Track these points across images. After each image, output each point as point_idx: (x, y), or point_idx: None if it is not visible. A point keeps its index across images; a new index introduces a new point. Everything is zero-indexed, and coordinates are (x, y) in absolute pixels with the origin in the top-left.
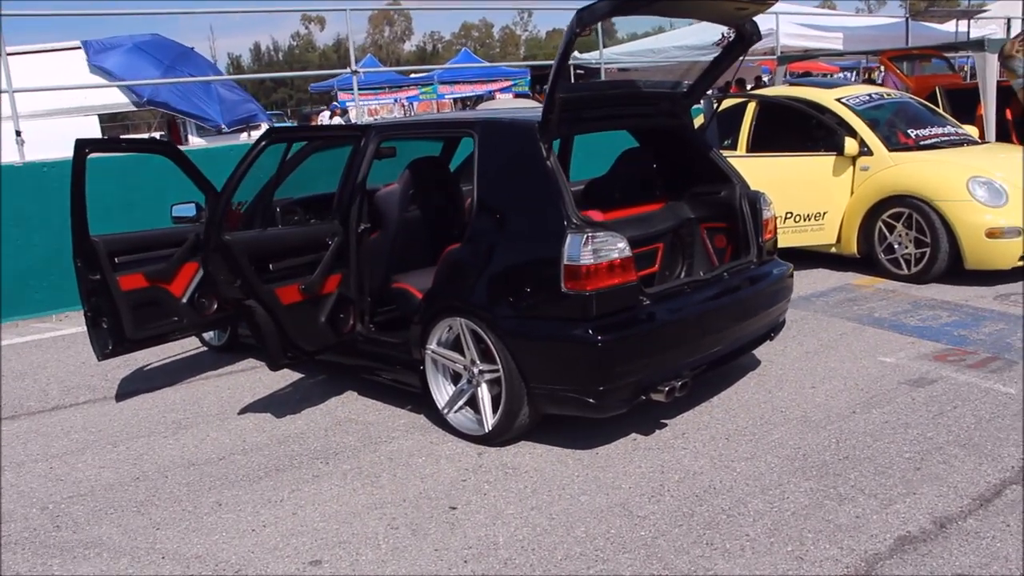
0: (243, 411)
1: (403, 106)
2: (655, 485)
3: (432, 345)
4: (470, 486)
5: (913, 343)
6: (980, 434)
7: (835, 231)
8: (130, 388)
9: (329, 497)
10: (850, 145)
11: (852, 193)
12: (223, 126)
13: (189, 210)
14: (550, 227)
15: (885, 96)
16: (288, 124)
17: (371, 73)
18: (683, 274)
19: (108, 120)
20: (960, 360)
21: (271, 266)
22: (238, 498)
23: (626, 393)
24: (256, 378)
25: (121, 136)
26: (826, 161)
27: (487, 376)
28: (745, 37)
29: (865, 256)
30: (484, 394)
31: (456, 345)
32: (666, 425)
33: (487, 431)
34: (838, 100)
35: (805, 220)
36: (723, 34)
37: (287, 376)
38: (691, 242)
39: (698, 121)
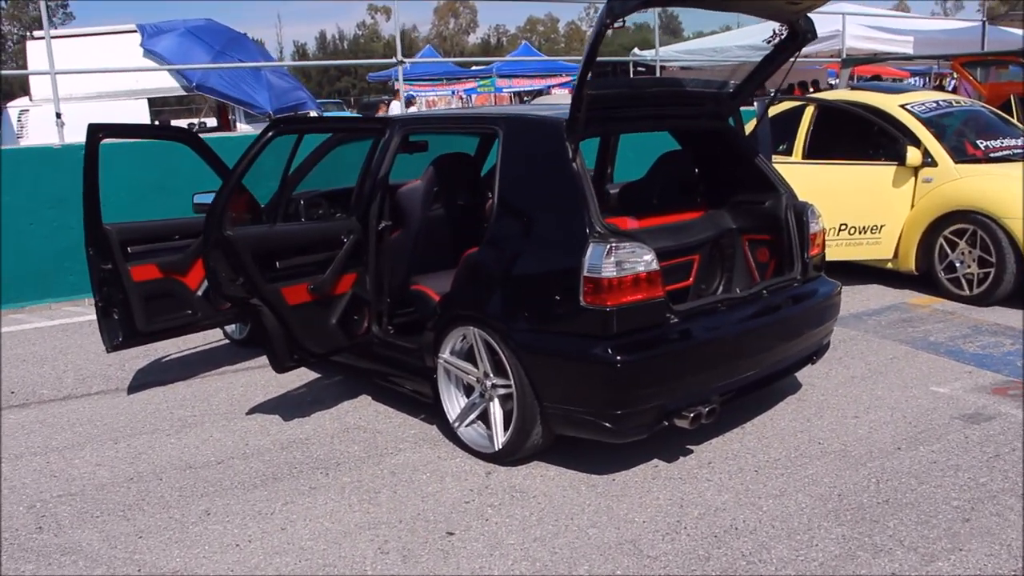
0: (252, 411)
1: (461, 98)
2: (671, 521)
3: (445, 354)
4: (472, 509)
5: (971, 373)
6: None
7: (892, 246)
8: (144, 380)
9: (322, 512)
10: (913, 155)
11: (912, 206)
12: (271, 112)
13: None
14: (571, 235)
15: (954, 104)
16: (342, 114)
17: (423, 63)
18: (720, 289)
19: (159, 104)
20: (1022, 395)
21: (278, 264)
22: (228, 508)
23: (647, 418)
24: (271, 376)
25: (171, 122)
26: (886, 171)
27: (500, 391)
28: (798, 35)
29: (923, 274)
30: (496, 409)
31: (470, 355)
32: (691, 452)
33: (497, 449)
34: (902, 106)
35: (861, 233)
36: (775, 31)
37: (302, 375)
38: (731, 254)
39: (751, 125)
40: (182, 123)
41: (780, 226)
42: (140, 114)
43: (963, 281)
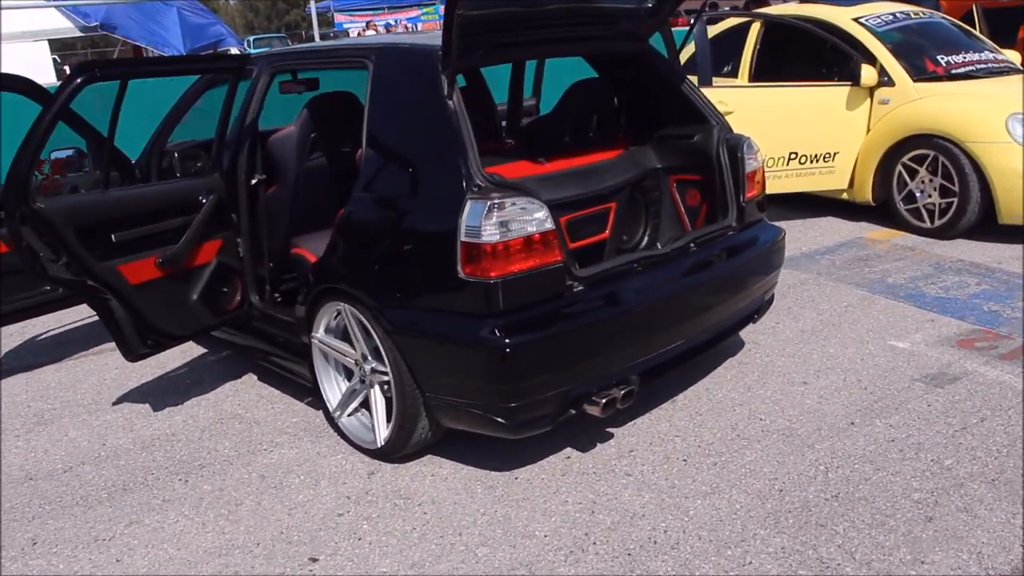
0: (120, 400)
1: (406, 28)
2: (578, 534)
3: (319, 333)
4: (345, 525)
5: (933, 321)
6: (1015, 463)
7: (847, 175)
8: (11, 365)
9: (170, 535)
10: (868, 74)
11: (868, 130)
12: (183, 54)
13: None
14: (444, 190)
15: (912, 15)
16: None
17: None
18: (644, 240)
19: (69, 47)
20: (991, 347)
21: (113, 237)
22: (61, 533)
23: (548, 408)
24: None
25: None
26: (839, 93)
27: (380, 377)
28: None
29: (881, 204)
30: (378, 399)
31: (348, 334)
32: (611, 437)
33: (380, 446)
34: (855, 20)
35: (813, 161)
36: None
37: (188, 350)
38: (656, 199)
39: (690, 48)
40: None
41: (711, 164)
42: (42, 58)
43: (923, 212)
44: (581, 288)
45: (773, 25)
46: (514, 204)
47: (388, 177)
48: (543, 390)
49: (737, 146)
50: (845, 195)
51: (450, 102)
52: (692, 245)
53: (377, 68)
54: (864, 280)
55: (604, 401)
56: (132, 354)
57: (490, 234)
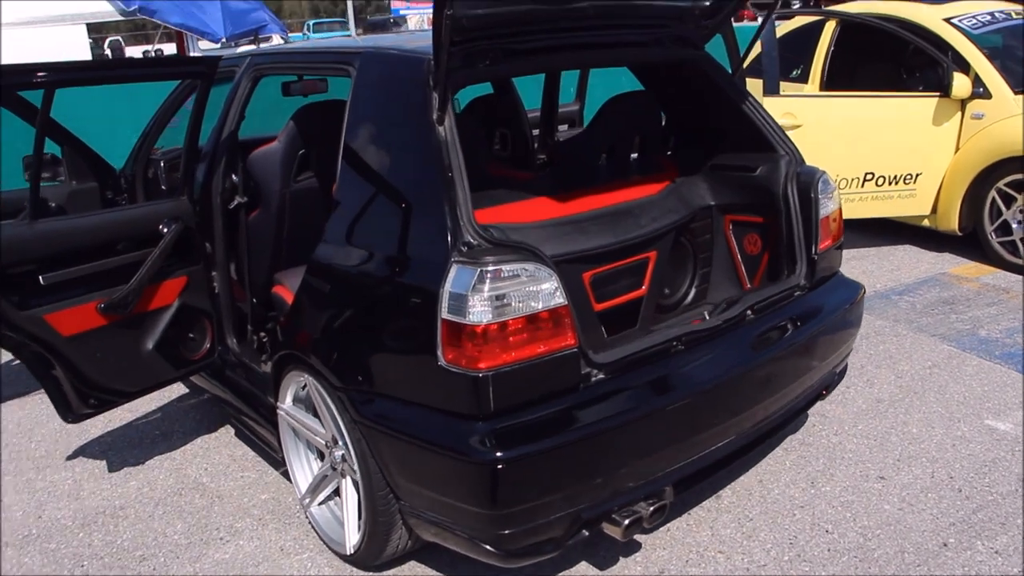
0: (75, 454)
1: None
2: None
3: (286, 403)
4: None
5: None
6: None
7: (930, 199)
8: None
9: None
10: (960, 83)
11: (957, 149)
12: (224, 38)
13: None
14: (424, 245)
15: (1014, 15)
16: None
17: None
18: (691, 294)
19: (109, 30)
20: None
21: (41, 279)
22: None
23: (553, 532)
24: None
25: (124, 50)
26: (925, 105)
27: (352, 470)
28: None
29: (968, 235)
30: (348, 493)
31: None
32: (637, 549)
33: (349, 553)
34: (947, 20)
35: (892, 183)
36: None
37: (168, 391)
38: (707, 243)
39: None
40: (136, 51)
41: (777, 205)
42: (78, 41)
43: (1020, 246)
44: (602, 377)
45: (850, 25)
46: (514, 272)
47: (360, 221)
48: (547, 513)
49: (810, 184)
50: (926, 222)
51: (439, 129)
52: (749, 313)
53: (358, 78)
54: (951, 331)
55: (627, 521)
56: (71, 415)
57: (480, 311)
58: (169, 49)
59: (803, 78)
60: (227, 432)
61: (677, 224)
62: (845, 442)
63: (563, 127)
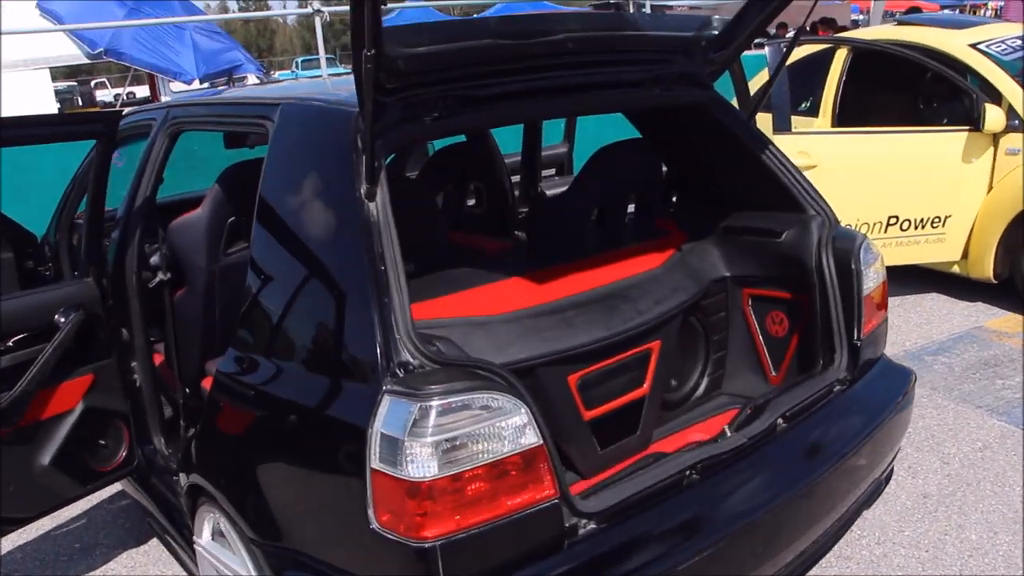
0: None
1: None
2: None
3: (204, 538)
4: None
5: None
6: None
7: (961, 244)
8: None
9: None
10: (993, 116)
11: (990, 189)
12: (196, 79)
13: None
14: (347, 368)
15: None
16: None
17: (411, 8)
18: (702, 386)
19: (69, 76)
20: None
21: None
22: None
23: None
24: None
25: (93, 94)
26: (953, 140)
27: None
28: None
29: (1004, 282)
30: None
31: None
32: None
33: None
34: (973, 46)
35: (919, 227)
36: None
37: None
38: (722, 323)
39: (759, 79)
40: (107, 95)
41: (809, 278)
42: (43, 86)
43: None
44: (592, 527)
45: (863, 53)
46: (468, 403)
47: (270, 326)
48: None
49: (850, 253)
50: (956, 268)
51: (368, 207)
52: (780, 422)
53: (274, 138)
54: (999, 402)
55: None
56: None
57: (422, 461)
58: (142, 92)
59: (812, 111)
60: (154, 549)
61: (685, 305)
62: (891, 554)
63: (549, 172)
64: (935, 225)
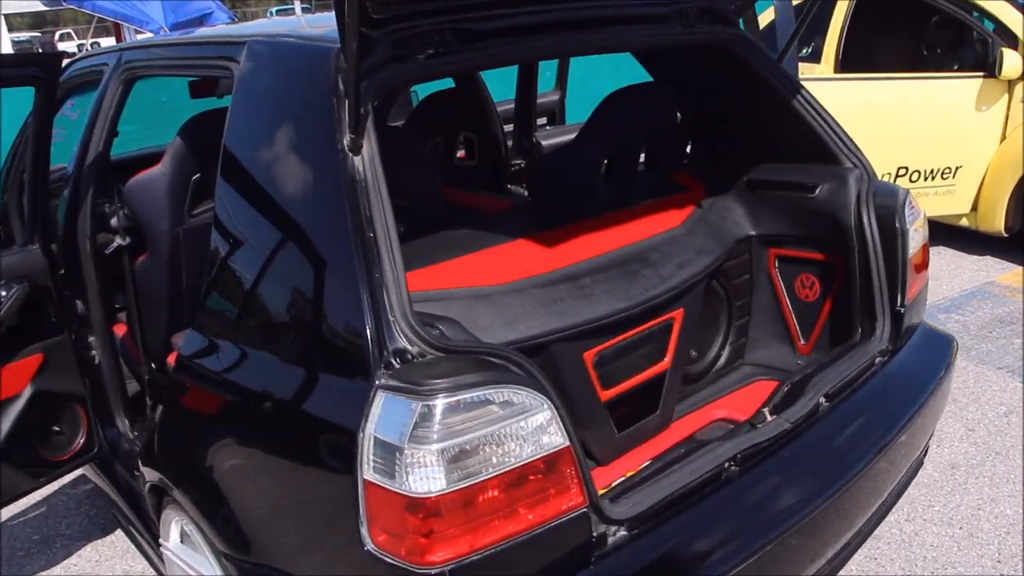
0: None
1: None
2: None
3: (172, 542)
4: None
5: None
6: None
7: (971, 196)
8: None
9: None
10: (1010, 61)
11: (1004, 138)
12: (165, 28)
13: None
14: (331, 358)
15: None
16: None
17: None
18: (724, 355)
19: (33, 27)
20: None
21: None
22: None
23: None
24: None
25: (56, 44)
26: (966, 87)
27: None
28: None
29: (1015, 236)
30: None
31: None
32: None
33: None
34: None
35: (928, 179)
36: None
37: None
38: (746, 287)
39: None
40: (71, 46)
41: (847, 238)
42: None
43: None
44: (623, 535)
45: None
46: (482, 399)
47: (238, 302)
48: None
49: (893, 211)
50: (965, 221)
51: (353, 162)
52: (823, 401)
53: (240, 82)
54: (1018, 362)
55: None
56: None
57: (427, 473)
58: (108, 43)
59: (814, 57)
60: (117, 543)
61: (711, 269)
62: (923, 532)
63: (541, 121)
64: (945, 176)
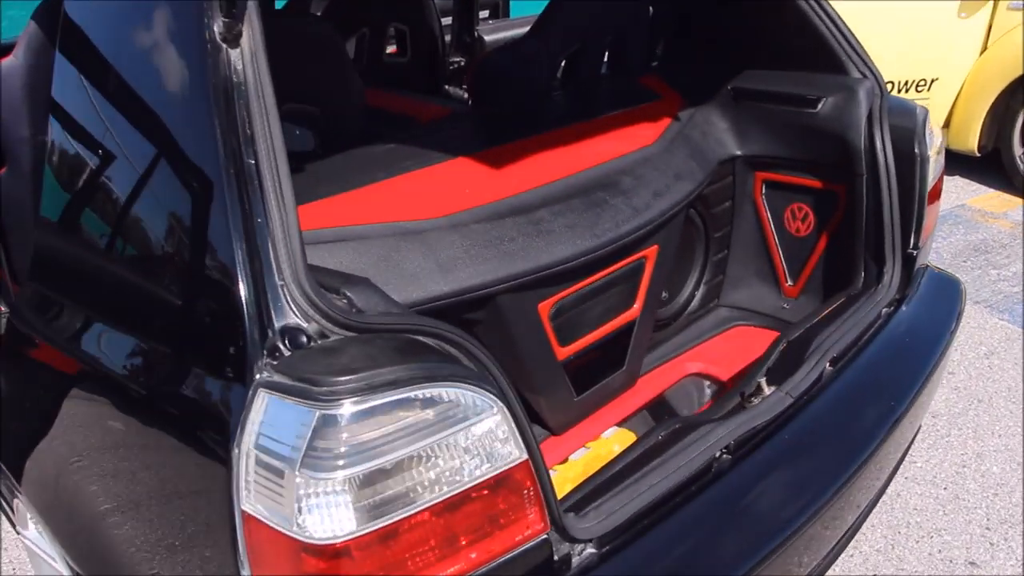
0: None
1: None
2: None
3: (30, 532)
4: None
5: None
6: None
7: (945, 110)
8: None
9: None
10: None
11: (984, 50)
12: None
13: None
14: (193, 342)
15: None
16: None
17: None
18: (697, 295)
19: None
20: None
21: None
22: None
23: None
24: None
25: None
26: None
27: None
28: None
29: (987, 156)
30: None
31: None
32: None
33: None
34: None
35: (900, 91)
36: None
37: None
38: (725, 216)
39: None
40: None
41: (854, 163)
42: None
43: None
44: (591, 554)
45: None
46: (405, 408)
47: (72, 244)
48: None
49: (912, 132)
50: None
51: (227, 56)
52: (827, 367)
53: None
54: (997, 296)
55: None
56: None
57: (330, 510)
58: None
59: None
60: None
61: (692, 197)
62: (906, 493)
63: (483, 14)
64: (919, 89)
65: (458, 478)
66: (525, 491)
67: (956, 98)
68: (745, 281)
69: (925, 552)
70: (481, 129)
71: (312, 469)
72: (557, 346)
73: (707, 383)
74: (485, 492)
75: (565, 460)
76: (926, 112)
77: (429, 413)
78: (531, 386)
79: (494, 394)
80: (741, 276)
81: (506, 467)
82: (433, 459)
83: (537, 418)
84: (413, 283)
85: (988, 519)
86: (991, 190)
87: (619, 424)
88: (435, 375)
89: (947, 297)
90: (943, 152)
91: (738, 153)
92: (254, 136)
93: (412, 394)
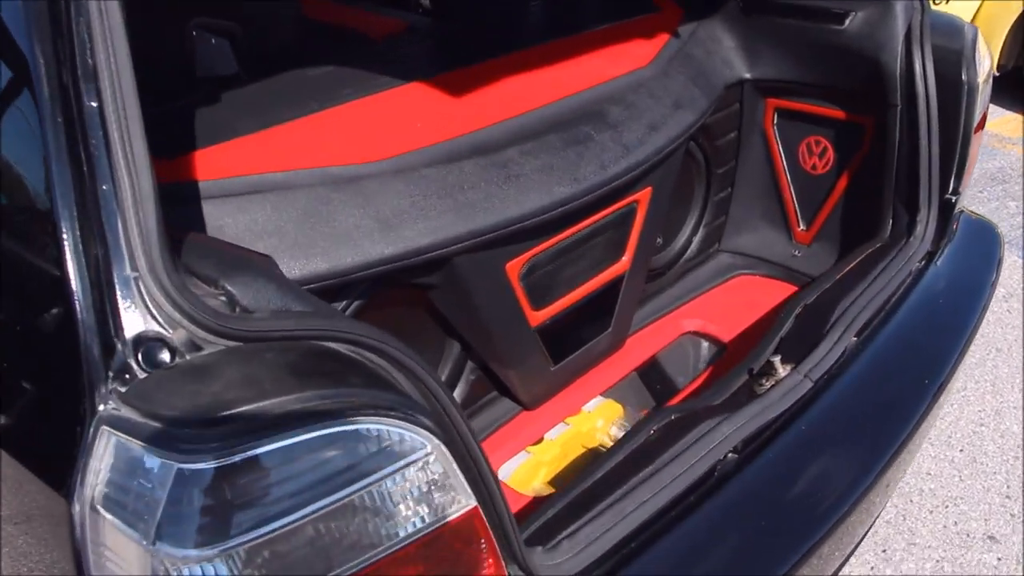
0: None
1: None
2: None
3: None
4: None
5: None
6: None
7: None
8: None
9: None
10: None
11: None
12: None
13: None
14: (22, 358)
15: None
16: None
17: None
18: (695, 240)
19: None
20: None
21: None
22: None
23: None
24: None
25: None
26: None
27: None
28: None
29: (1008, 74)
30: None
31: None
32: None
33: None
34: None
35: None
36: None
37: None
38: (730, 148)
39: None
40: None
41: (886, 90)
42: None
43: None
44: None
45: None
46: (312, 452)
47: None
48: None
49: (959, 55)
50: None
51: None
52: (854, 339)
53: None
54: (1014, 231)
55: None
56: None
57: None
58: None
59: None
60: None
61: (692, 130)
62: (918, 456)
63: None
64: (936, 1)
65: (383, 541)
66: (478, 543)
67: (975, 13)
68: (751, 224)
69: (939, 524)
70: (440, 47)
71: (172, 543)
72: (530, 310)
73: (706, 343)
74: (423, 552)
75: (540, 440)
76: (975, 31)
77: (338, 459)
78: (499, 358)
79: (428, 428)
80: (746, 218)
81: (450, 518)
82: (347, 519)
83: (507, 392)
84: (346, 244)
85: (1008, 486)
86: (1008, 112)
87: (604, 394)
88: (343, 408)
89: (984, 250)
90: (991, 79)
91: (747, 76)
92: (96, 68)
93: (312, 435)
